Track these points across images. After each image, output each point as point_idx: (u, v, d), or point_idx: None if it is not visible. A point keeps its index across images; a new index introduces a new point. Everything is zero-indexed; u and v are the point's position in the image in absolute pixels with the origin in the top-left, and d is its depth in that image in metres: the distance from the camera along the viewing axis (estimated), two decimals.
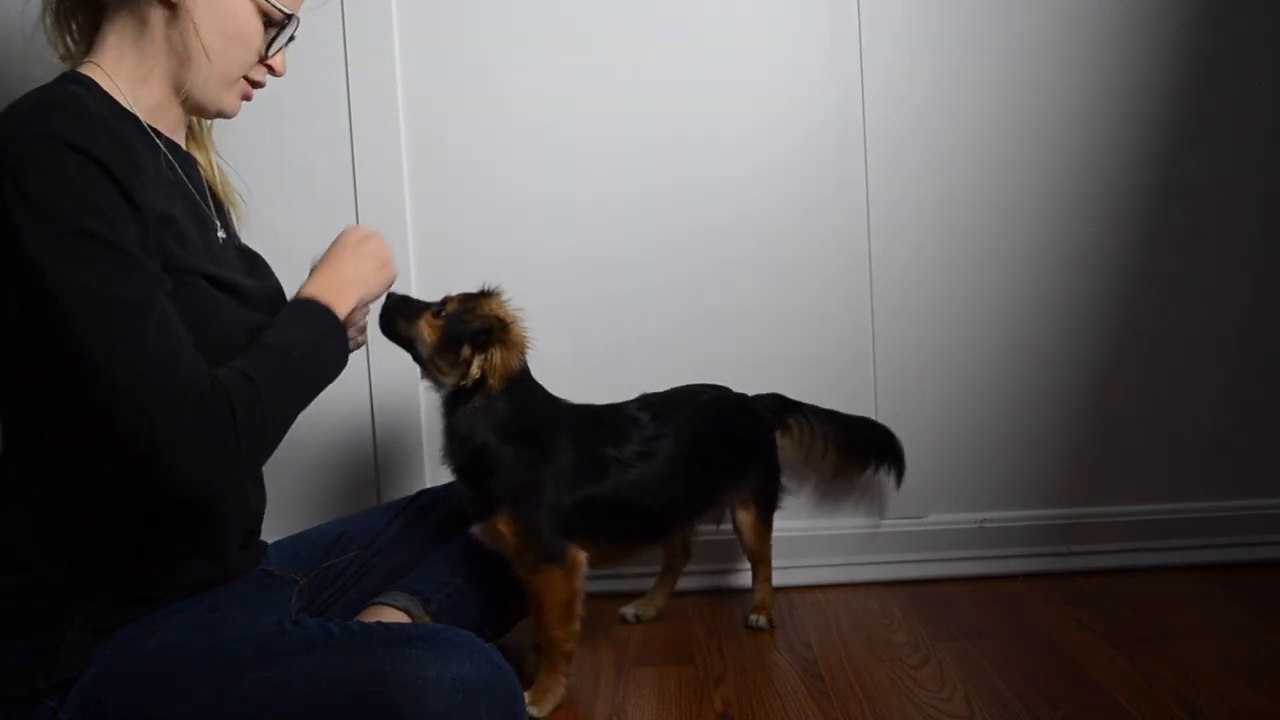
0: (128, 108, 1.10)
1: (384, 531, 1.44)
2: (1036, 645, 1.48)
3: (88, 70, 1.09)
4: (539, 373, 1.80)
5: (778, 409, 1.64)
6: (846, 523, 1.81)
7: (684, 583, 1.76)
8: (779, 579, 1.70)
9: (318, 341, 1.13)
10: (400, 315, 1.38)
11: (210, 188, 1.25)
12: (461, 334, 1.34)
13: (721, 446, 1.53)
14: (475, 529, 1.36)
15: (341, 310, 1.16)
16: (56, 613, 1.02)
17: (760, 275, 1.77)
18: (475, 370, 1.33)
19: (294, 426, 1.69)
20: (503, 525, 1.32)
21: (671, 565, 1.71)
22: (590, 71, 1.74)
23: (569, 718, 1.32)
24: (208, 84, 1.13)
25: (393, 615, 1.28)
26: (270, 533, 1.33)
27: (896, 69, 1.73)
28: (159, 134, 1.13)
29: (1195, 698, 1.26)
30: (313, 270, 1.20)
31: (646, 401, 1.50)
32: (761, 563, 1.62)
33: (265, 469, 1.28)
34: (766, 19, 1.74)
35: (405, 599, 1.31)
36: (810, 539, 1.78)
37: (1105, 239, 1.77)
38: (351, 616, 1.27)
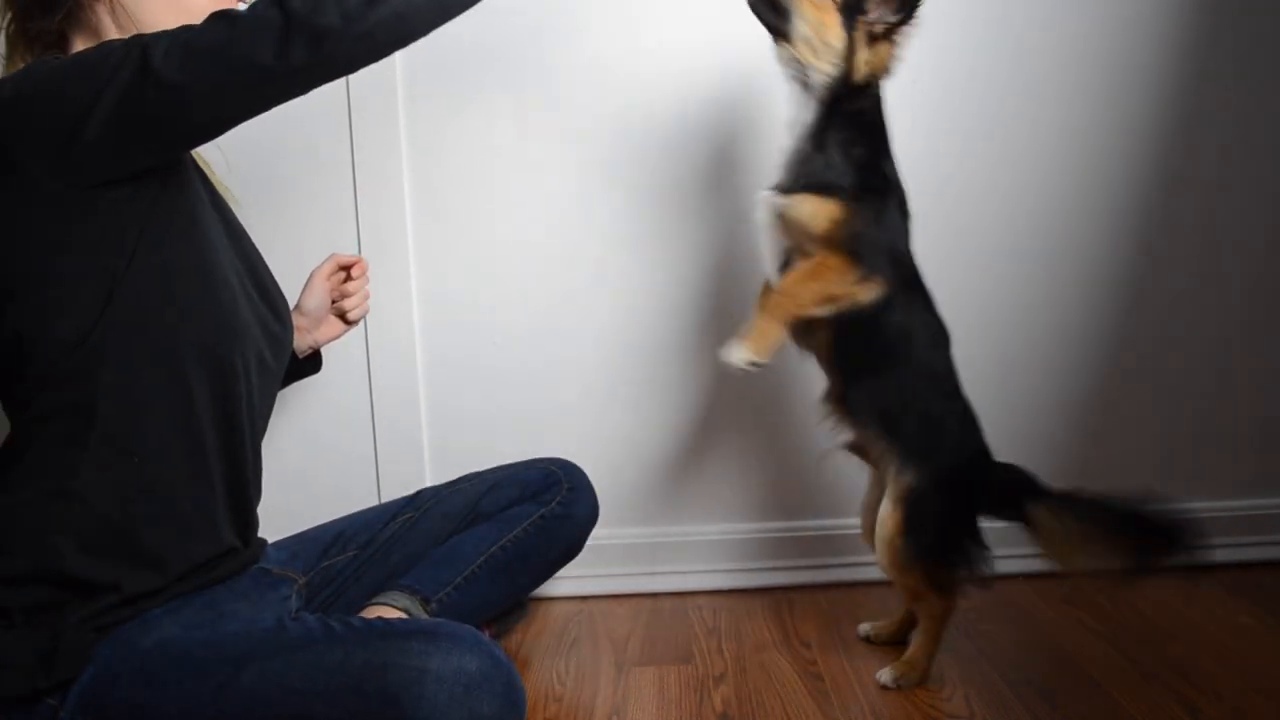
0: None
1: (383, 531, 1.44)
2: (1036, 645, 1.48)
3: None
4: (538, 382, 1.81)
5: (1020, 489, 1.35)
6: (847, 522, 1.80)
7: (684, 582, 1.76)
8: (778, 579, 1.70)
9: None
10: None
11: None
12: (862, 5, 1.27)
13: None
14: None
15: None
16: (56, 611, 1.02)
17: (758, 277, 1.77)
18: (862, 62, 1.28)
19: (294, 427, 1.69)
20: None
21: None
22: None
23: (569, 717, 1.32)
24: None
25: (392, 615, 1.28)
26: (270, 532, 1.33)
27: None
28: None
29: (1195, 698, 1.26)
30: None
31: None
32: None
33: (265, 467, 1.28)
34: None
35: (405, 599, 1.31)
36: (810, 539, 1.78)
37: (1106, 239, 1.76)
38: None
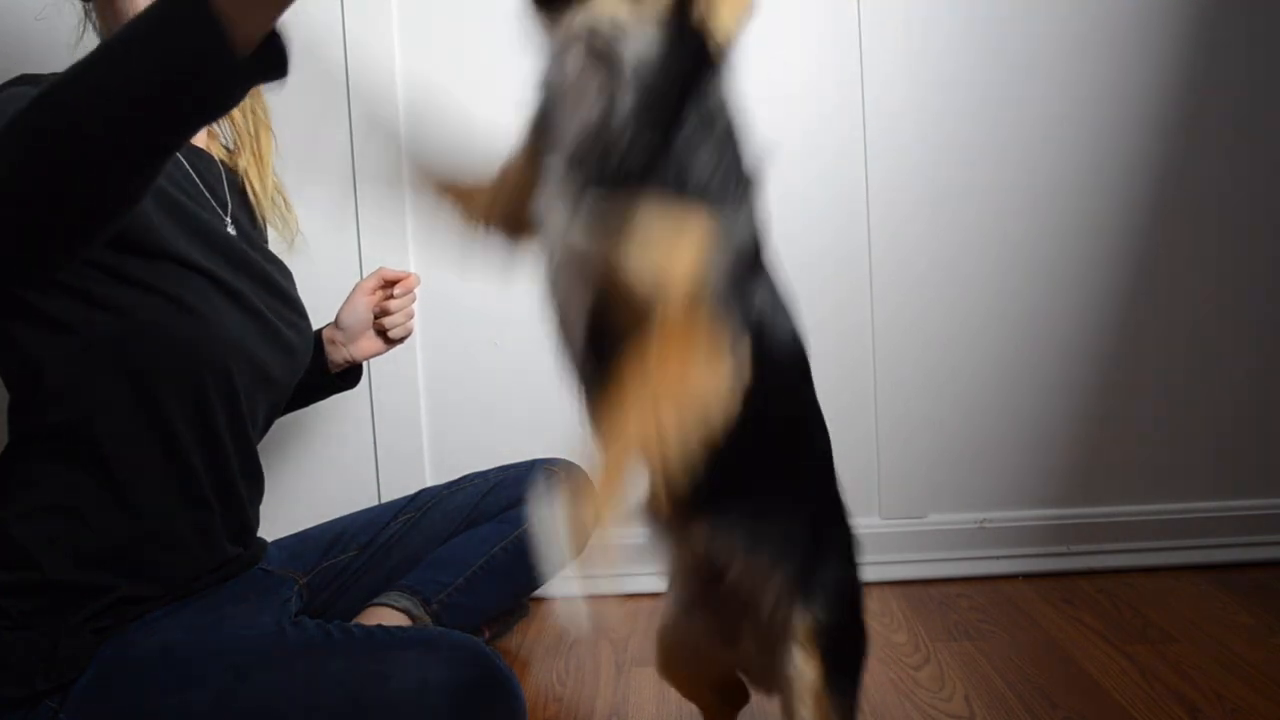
0: None
1: (384, 531, 1.44)
2: (1036, 645, 1.47)
3: None
4: (539, 382, 1.79)
5: None
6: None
7: None
8: None
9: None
10: None
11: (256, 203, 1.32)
12: None
13: None
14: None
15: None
16: (56, 613, 1.02)
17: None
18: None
19: (294, 427, 1.69)
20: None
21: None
22: None
23: (569, 718, 1.32)
24: None
25: (393, 616, 1.28)
26: (270, 532, 1.33)
27: (896, 75, 1.73)
28: None
29: (1195, 698, 1.26)
30: None
31: None
32: None
33: (266, 467, 1.28)
34: (766, 29, 1.74)
35: (405, 599, 1.31)
36: None
37: (1105, 239, 1.77)
38: (351, 616, 1.27)
